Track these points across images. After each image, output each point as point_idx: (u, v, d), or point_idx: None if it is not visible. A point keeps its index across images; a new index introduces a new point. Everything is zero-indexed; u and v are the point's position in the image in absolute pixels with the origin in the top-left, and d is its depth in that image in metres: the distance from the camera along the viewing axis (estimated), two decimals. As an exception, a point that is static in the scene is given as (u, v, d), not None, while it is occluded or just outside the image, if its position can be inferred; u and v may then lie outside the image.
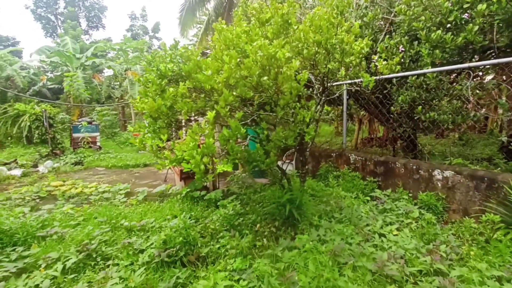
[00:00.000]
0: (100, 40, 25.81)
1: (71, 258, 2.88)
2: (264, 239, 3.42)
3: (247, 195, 4.65)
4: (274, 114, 2.68)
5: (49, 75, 22.61)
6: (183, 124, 2.88)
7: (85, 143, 11.55)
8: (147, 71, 2.93)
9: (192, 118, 3.14)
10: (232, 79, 2.27)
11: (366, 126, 12.69)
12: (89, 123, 12.33)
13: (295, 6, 2.89)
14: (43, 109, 11.78)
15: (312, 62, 2.92)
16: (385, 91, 5.88)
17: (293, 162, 6.67)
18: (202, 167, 2.20)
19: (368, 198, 4.75)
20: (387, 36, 5.85)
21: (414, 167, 4.48)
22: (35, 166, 9.72)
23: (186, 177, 5.59)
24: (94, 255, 3.02)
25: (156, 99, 2.49)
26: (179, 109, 2.49)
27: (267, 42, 2.25)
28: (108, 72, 22.81)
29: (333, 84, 3.10)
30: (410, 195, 4.49)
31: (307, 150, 3.67)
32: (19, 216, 4.31)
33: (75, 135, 11.86)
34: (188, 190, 5.33)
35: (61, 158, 10.80)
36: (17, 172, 8.50)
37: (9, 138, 13.12)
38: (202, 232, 3.69)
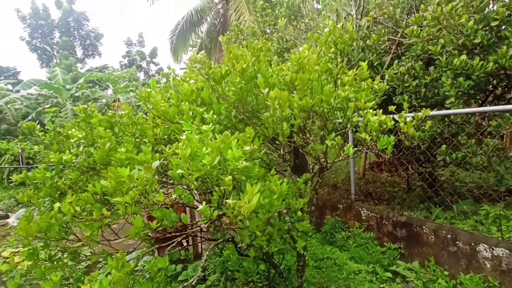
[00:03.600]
0: (93, 69, 25.44)
1: None
2: None
3: (228, 284, 3.55)
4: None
5: (46, 106, 21.96)
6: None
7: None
8: (44, 156, 1.93)
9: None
10: (148, 200, 1.28)
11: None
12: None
13: (267, 51, 1.91)
14: (20, 149, 10.88)
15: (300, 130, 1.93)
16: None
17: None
18: None
19: (390, 274, 3.63)
20: (395, 60, 4.88)
21: (449, 236, 3.39)
22: (6, 216, 8.71)
23: (158, 247, 4.50)
24: None
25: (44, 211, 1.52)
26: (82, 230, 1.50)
27: (209, 129, 1.26)
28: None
29: (333, 161, 2.10)
30: (446, 273, 3.38)
31: (303, 254, 2.58)
32: None
33: (54, 176, 10.90)
34: (159, 264, 4.23)
35: (38, 204, 9.78)
36: (-20, 228, 7.49)
37: (-13, 181, 12.17)
38: None
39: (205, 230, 2.95)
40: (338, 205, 5.02)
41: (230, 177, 1.06)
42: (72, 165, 1.86)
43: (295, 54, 1.91)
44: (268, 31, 8.99)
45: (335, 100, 1.79)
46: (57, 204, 1.50)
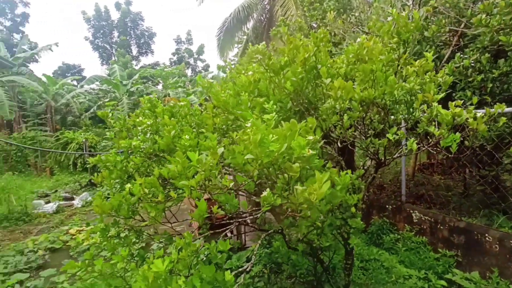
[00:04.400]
0: (146, 66, 27.15)
1: None
2: None
3: (272, 277, 3.59)
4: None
5: (104, 101, 24.14)
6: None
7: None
8: (114, 142, 2.13)
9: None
10: (212, 184, 1.35)
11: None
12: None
13: (327, 43, 1.86)
14: (84, 138, 12.04)
15: (358, 124, 1.87)
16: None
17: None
18: None
19: (444, 283, 3.39)
20: (456, 53, 4.50)
21: (518, 246, 3.06)
22: (72, 198, 9.72)
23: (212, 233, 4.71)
24: None
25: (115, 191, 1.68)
26: (147, 211, 1.64)
27: (273, 117, 1.29)
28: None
29: (394, 156, 2.00)
30: (512, 287, 3.06)
31: (352, 252, 2.51)
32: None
33: (111, 165, 11.84)
34: (221, 246, 4.42)
35: (98, 189, 10.76)
36: (51, 208, 8.45)
37: (56, 166, 13.70)
38: None
39: (249, 221, 3.02)
40: (387, 206, 4.79)
41: (297, 164, 1.07)
42: (140, 150, 2.04)
43: (352, 46, 1.85)
44: (314, 25, 8.80)
45: (398, 92, 1.70)
46: (128, 185, 1.66)
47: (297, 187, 1.05)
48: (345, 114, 1.64)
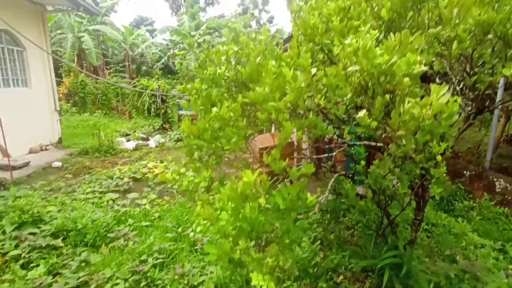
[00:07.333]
0: (212, 17, 27.24)
1: (119, 284, 2.63)
2: (346, 307, 2.47)
3: (332, 224, 3.65)
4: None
5: (173, 52, 25.35)
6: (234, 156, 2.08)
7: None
8: (199, 73, 2.23)
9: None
10: (302, 105, 1.33)
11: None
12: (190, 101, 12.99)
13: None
14: (157, 85, 12.98)
15: (464, 60, 1.62)
16: None
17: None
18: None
19: (525, 257, 3.10)
20: None
21: None
22: (147, 139, 10.85)
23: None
24: (143, 283, 2.70)
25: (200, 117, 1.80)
26: (227, 137, 1.73)
27: (375, 34, 1.17)
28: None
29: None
30: None
31: (428, 190, 2.39)
32: (105, 205, 4.53)
33: (180, 112, 12.62)
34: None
35: (168, 133, 11.78)
36: (131, 145, 9.59)
37: (134, 110, 15.22)
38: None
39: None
40: (464, 172, 4.37)
41: (407, 78, 0.99)
42: (223, 78, 2.13)
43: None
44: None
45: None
46: (214, 109, 1.77)
47: (410, 99, 0.97)
48: (456, 42, 1.42)
